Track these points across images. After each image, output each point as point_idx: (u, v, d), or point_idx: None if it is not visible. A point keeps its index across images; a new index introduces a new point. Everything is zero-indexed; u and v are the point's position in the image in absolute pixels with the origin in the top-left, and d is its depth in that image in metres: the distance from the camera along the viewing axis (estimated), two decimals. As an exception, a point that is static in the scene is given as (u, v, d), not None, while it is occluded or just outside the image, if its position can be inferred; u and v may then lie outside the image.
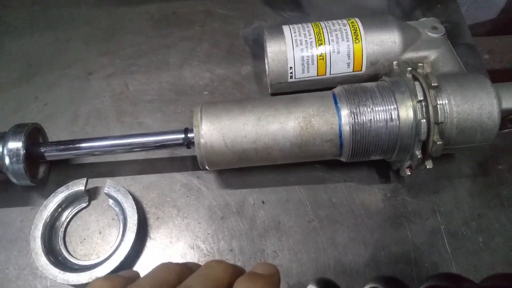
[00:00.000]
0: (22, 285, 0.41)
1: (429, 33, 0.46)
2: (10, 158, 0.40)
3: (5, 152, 0.40)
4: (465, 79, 0.39)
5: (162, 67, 0.54)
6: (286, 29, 0.46)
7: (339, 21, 0.46)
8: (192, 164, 0.46)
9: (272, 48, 0.45)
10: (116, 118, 0.50)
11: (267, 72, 0.47)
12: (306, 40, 0.45)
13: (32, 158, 0.42)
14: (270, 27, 0.47)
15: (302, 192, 0.44)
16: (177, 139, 0.42)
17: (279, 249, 0.42)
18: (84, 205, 0.44)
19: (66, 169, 0.47)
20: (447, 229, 0.42)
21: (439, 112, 0.36)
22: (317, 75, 0.45)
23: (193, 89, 0.52)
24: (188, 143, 0.41)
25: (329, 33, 0.45)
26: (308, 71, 0.45)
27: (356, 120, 0.38)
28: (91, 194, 0.45)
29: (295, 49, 0.45)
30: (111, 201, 0.44)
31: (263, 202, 0.44)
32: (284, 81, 0.46)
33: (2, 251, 0.42)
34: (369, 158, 0.41)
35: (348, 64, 0.45)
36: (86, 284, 0.38)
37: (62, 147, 0.43)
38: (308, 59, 0.45)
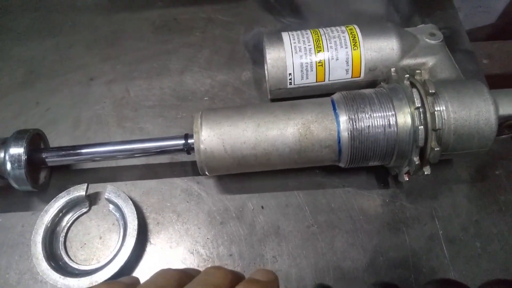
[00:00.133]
0: (23, 290, 0.41)
1: (427, 40, 0.46)
2: (12, 163, 0.41)
3: (7, 157, 0.41)
4: (462, 86, 0.39)
5: (163, 73, 0.55)
6: (285, 36, 0.46)
7: (338, 28, 0.46)
8: (192, 169, 0.47)
9: (272, 55, 0.45)
10: (117, 124, 0.51)
11: (266, 78, 0.47)
12: (305, 47, 0.45)
13: (33, 163, 0.43)
14: (270, 34, 0.48)
15: (301, 197, 0.45)
16: (177, 145, 0.42)
17: (279, 254, 0.42)
18: (84, 210, 0.45)
19: (67, 175, 0.47)
20: (445, 234, 0.42)
21: (436, 118, 0.37)
22: (316, 82, 0.46)
23: (194, 95, 0.53)
24: (188, 149, 0.42)
25: (328, 40, 0.45)
26: (307, 78, 0.46)
27: (355, 126, 0.38)
28: (92, 199, 0.45)
29: (294, 56, 0.45)
30: (111, 206, 0.44)
31: (262, 207, 0.44)
32: (283, 87, 0.46)
33: (3, 256, 0.43)
34: (367, 164, 0.41)
35: (347, 71, 0.45)
36: (87, 289, 0.38)
37: (63, 152, 0.43)
38: (307, 66, 0.45)
